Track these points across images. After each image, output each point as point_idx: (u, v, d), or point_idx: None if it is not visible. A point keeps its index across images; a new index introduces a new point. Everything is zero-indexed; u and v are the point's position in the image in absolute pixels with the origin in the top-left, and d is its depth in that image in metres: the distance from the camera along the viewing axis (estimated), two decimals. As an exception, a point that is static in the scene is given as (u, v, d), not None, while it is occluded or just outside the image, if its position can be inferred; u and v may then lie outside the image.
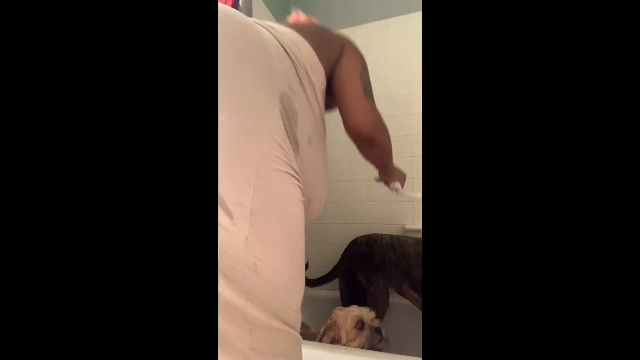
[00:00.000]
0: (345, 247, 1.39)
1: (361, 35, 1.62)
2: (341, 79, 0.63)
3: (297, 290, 0.44)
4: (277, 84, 0.48)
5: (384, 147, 0.67)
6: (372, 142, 0.64)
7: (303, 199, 0.47)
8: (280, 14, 1.66)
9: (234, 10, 0.50)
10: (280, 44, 0.53)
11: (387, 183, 0.89)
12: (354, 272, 1.26)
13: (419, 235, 1.32)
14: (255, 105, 0.42)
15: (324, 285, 1.44)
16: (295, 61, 0.54)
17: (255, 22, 0.55)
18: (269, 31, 0.54)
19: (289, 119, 0.47)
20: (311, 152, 0.53)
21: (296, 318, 0.44)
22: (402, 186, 0.89)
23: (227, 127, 0.39)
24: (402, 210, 1.51)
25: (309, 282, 1.40)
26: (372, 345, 0.94)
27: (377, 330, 0.96)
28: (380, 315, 1.19)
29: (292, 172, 0.45)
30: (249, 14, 1.38)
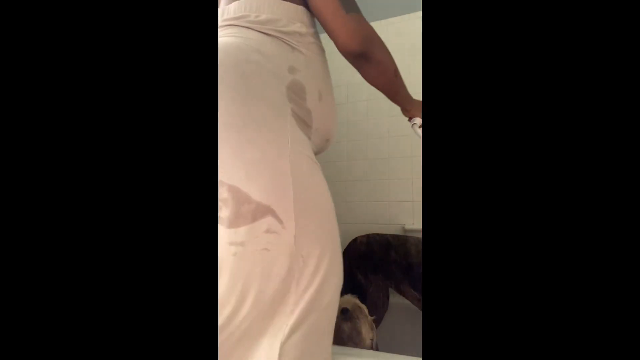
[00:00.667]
0: (345, 247, 1.39)
1: (361, 35, 1.61)
2: (313, 3, 0.59)
3: (338, 274, 0.53)
4: (280, 85, 0.53)
5: (382, 63, 0.62)
6: (367, 58, 0.60)
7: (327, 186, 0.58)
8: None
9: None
10: (261, 32, 0.56)
11: (410, 118, 0.85)
12: (354, 272, 1.26)
13: (419, 235, 1.32)
14: (271, 123, 0.51)
15: (324, 285, 1.43)
16: (279, 35, 0.57)
17: (232, 24, 0.58)
18: (244, 27, 0.57)
19: (298, 103, 0.55)
20: (322, 105, 0.60)
21: (336, 297, 0.53)
22: None
23: (259, 155, 0.49)
24: (402, 210, 1.50)
25: None
26: (338, 325, 0.92)
27: (343, 311, 0.93)
28: (380, 315, 1.19)
29: (312, 159, 0.55)
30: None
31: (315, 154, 0.66)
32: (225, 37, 0.58)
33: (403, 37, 1.62)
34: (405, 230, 1.45)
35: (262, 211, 0.47)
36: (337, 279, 0.53)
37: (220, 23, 0.61)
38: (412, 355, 0.73)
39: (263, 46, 0.56)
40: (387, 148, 1.56)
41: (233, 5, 0.60)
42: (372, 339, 0.93)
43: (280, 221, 0.47)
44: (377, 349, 0.96)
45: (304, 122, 0.55)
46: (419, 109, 0.84)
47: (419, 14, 1.59)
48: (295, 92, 0.55)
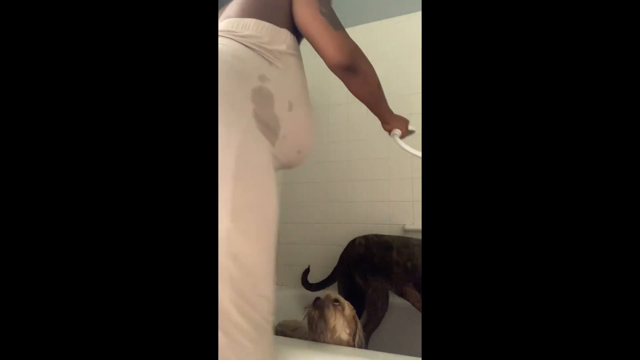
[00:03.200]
0: (343, 248, 1.38)
1: (361, 35, 1.61)
2: (302, 24, 0.64)
3: (269, 277, 0.53)
4: (245, 86, 0.55)
5: (367, 75, 0.68)
6: (354, 70, 0.65)
7: (276, 196, 0.56)
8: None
9: None
10: (241, 43, 0.60)
11: (390, 131, 0.89)
12: (352, 274, 1.25)
13: (419, 236, 1.31)
14: (226, 116, 0.51)
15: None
16: (258, 49, 0.60)
17: (218, 35, 0.63)
18: (228, 38, 0.61)
19: (263, 107, 0.56)
20: (292, 115, 0.62)
21: (268, 306, 0.52)
22: (404, 134, 0.88)
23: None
24: (402, 210, 1.50)
25: (311, 287, 1.39)
26: (308, 313, 0.92)
27: (315, 299, 0.93)
28: (379, 316, 1.18)
29: (266, 163, 0.55)
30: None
31: (287, 166, 0.67)
32: None
33: (403, 37, 1.62)
34: (405, 231, 1.45)
35: None
36: (271, 282, 0.52)
37: None
38: (412, 355, 0.73)
39: (238, 52, 0.59)
40: (387, 148, 1.56)
41: (225, 21, 0.65)
42: (350, 335, 0.92)
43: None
44: (364, 348, 0.93)
45: (267, 126, 0.56)
46: (398, 121, 0.89)
47: (419, 14, 1.59)
48: (262, 97, 0.56)
